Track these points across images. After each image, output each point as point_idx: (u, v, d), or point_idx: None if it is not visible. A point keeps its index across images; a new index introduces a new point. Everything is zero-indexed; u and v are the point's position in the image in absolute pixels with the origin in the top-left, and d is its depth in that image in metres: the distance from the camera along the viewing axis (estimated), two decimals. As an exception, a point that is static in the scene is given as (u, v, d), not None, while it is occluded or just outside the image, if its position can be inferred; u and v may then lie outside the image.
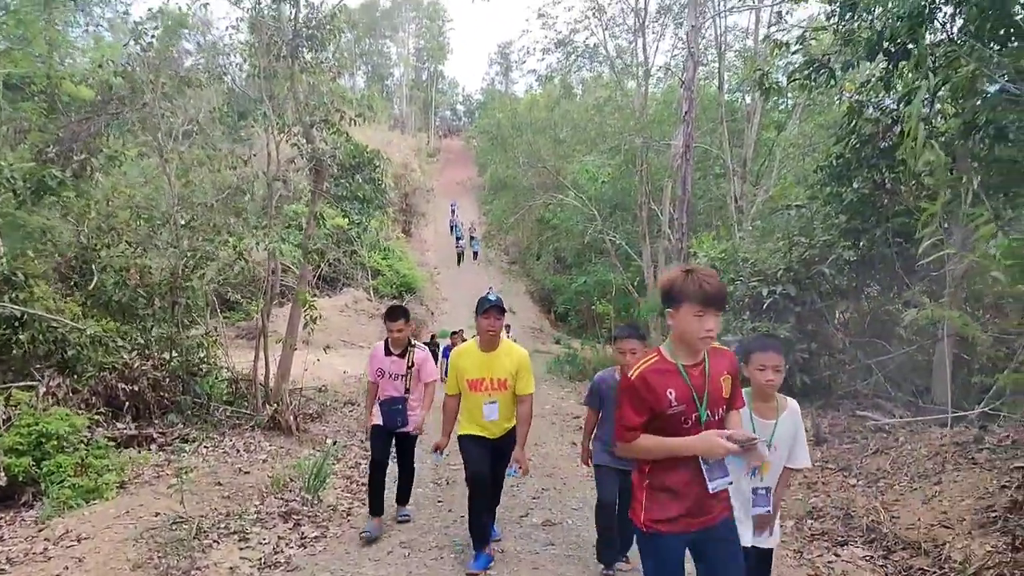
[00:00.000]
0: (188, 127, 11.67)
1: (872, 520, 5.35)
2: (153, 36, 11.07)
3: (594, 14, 22.33)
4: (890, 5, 8.17)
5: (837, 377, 9.47)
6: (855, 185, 9.27)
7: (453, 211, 40.08)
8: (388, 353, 5.43)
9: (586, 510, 6.12)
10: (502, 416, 4.62)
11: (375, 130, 40.21)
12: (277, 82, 11.70)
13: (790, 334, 9.10)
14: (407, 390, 5.38)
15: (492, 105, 36.92)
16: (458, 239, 37.13)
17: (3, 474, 5.09)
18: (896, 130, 8.75)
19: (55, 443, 5.46)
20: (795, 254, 9.70)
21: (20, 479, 5.19)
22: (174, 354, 9.62)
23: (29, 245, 10.01)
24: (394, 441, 5.55)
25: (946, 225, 7.27)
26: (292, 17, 11.78)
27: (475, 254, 35.81)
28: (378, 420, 5.41)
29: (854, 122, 9.33)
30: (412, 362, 5.39)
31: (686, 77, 13.76)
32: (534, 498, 6.71)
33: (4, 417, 5.90)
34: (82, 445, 5.81)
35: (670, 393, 2.50)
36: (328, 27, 12.13)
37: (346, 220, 13.43)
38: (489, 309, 4.50)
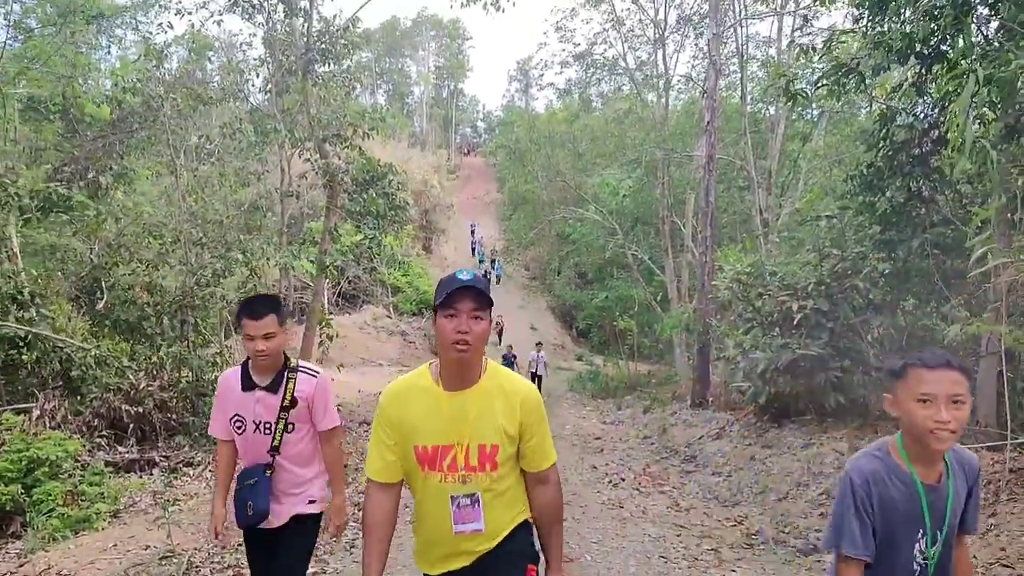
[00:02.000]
0: (201, 144, 11.51)
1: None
2: (164, 53, 10.98)
3: (613, 27, 22.08)
4: (924, 2, 7.77)
5: (873, 396, 8.96)
6: (888, 194, 8.80)
7: (473, 231, 39.68)
8: (249, 386, 2.95)
9: (607, 543, 5.71)
10: (493, 523, 2.22)
11: (395, 147, 40.30)
12: (290, 97, 11.54)
13: (822, 351, 8.63)
14: (274, 447, 2.93)
15: (511, 120, 36.76)
16: (480, 262, 36.81)
17: (-12, 504, 4.84)
18: (932, 136, 8.30)
19: (47, 469, 5.20)
20: (826, 267, 9.24)
21: (8, 508, 4.93)
22: (184, 373, 9.40)
23: (37, 263, 9.91)
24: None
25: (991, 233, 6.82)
26: (305, 31, 11.67)
27: (498, 278, 35.19)
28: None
29: (885, 129, 8.88)
30: (292, 398, 2.93)
31: (708, 86, 13.40)
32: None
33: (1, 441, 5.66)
34: (77, 471, 5.54)
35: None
36: (342, 41, 11.99)
37: (361, 236, 13.24)
38: (458, 293, 2.07)
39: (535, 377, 18.05)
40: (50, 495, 5.03)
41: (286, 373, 2.96)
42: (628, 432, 12.44)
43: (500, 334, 25.31)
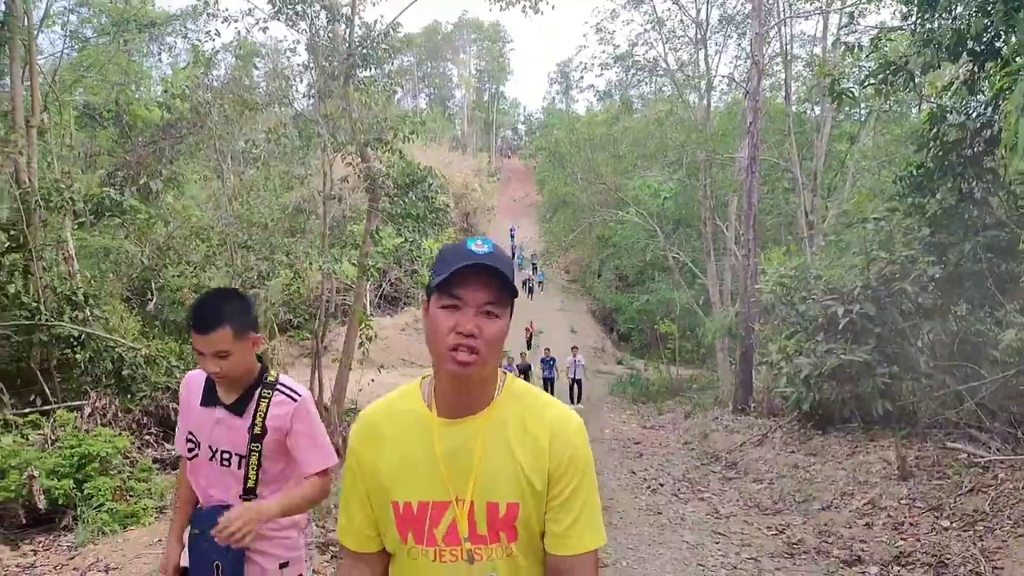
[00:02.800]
0: (247, 148, 11.77)
1: (970, 570, 4.72)
2: (212, 60, 11.28)
3: (653, 27, 21.91)
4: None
5: (923, 404, 8.70)
6: (939, 196, 8.54)
7: (513, 234, 39.40)
8: (210, 400, 2.28)
9: (643, 549, 5.66)
10: None
11: (436, 151, 40.66)
12: (332, 102, 11.71)
13: (869, 357, 8.42)
14: (249, 489, 2.23)
15: (551, 123, 36.73)
16: (521, 268, 36.47)
17: (43, 498, 5.02)
18: (985, 135, 8.03)
19: (97, 465, 5.38)
20: (873, 271, 9.01)
21: (60, 502, 5.11)
22: (229, 374, 9.62)
23: (91, 265, 10.26)
24: None
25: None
26: (347, 37, 11.84)
27: (540, 284, 34.70)
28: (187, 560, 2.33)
29: (936, 128, 8.61)
30: (263, 425, 2.23)
31: (750, 86, 13.19)
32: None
33: (52, 438, 5.88)
34: (126, 467, 5.72)
35: None
36: (383, 46, 12.13)
37: (401, 239, 13.38)
38: (469, 274, 1.29)
39: (575, 383, 17.60)
40: (100, 490, 5.19)
41: (259, 391, 2.20)
42: (668, 437, 12.30)
43: (530, 341, 24.34)
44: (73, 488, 5.16)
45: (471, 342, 1.27)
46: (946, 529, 5.41)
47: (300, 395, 2.27)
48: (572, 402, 16.91)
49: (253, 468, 2.19)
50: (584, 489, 1.38)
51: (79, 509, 5.11)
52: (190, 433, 2.28)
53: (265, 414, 2.20)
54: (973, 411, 7.91)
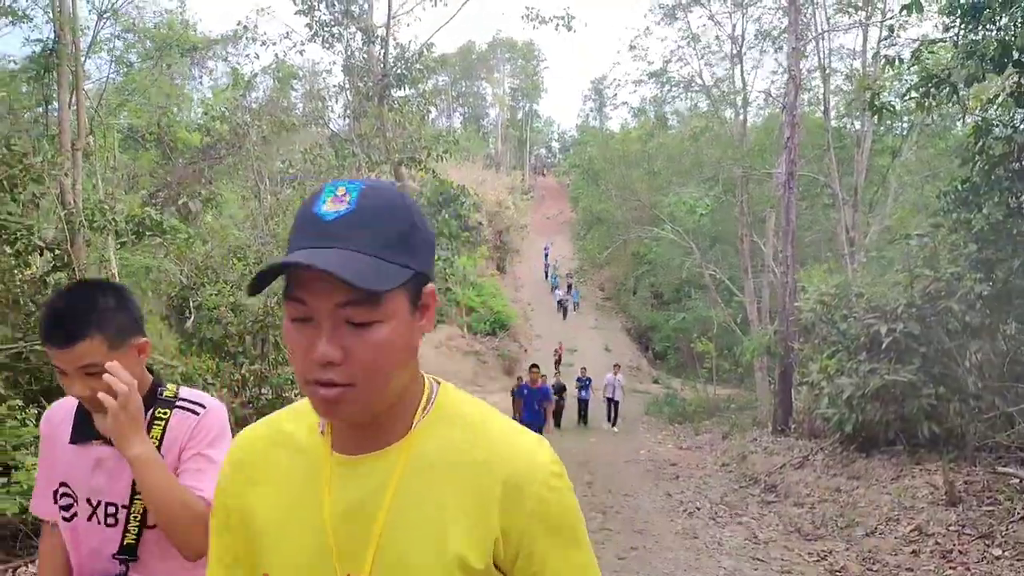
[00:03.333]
0: (284, 168, 11.96)
1: (1026, 604, 4.48)
2: (250, 83, 11.54)
3: (688, 43, 21.79)
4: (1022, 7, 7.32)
5: (971, 426, 8.36)
6: (985, 211, 8.27)
7: (547, 253, 38.95)
8: (84, 435, 1.56)
9: (679, 575, 5.50)
10: None
11: (470, 169, 40.92)
12: (367, 121, 11.86)
13: (914, 377, 8.13)
14: (128, 547, 1.50)
15: (585, 140, 36.74)
16: (554, 287, 35.93)
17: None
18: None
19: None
20: (918, 288, 8.74)
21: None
22: (264, 391, 9.70)
23: (132, 283, 10.48)
24: None
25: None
26: (381, 58, 12.02)
27: (575, 305, 33.77)
28: None
29: (981, 142, 8.36)
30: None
31: (787, 101, 13.00)
32: (620, 558, 6.11)
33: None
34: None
35: None
36: (417, 66, 12.27)
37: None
38: (308, 263, 0.74)
39: (611, 403, 16.77)
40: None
41: (151, 413, 1.57)
42: (706, 458, 12.05)
43: (558, 363, 23.32)
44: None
45: (331, 375, 0.79)
46: (997, 558, 5.16)
47: (205, 406, 1.62)
48: (608, 423, 16.61)
49: (136, 516, 1.50)
50: (565, 562, 0.88)
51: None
52: (62, 485, 1.57)
53: (160, 440, 1.54)
54: (1025, 434, 7.59)
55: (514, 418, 14.41)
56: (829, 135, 16.94)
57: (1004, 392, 7.97)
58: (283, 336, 0.87)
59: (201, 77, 27.01)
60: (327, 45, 12.91)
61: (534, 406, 10.64)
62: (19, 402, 5.14)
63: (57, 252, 8.54)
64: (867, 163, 17.31)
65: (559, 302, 33.54)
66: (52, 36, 9.48)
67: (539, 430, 9.92)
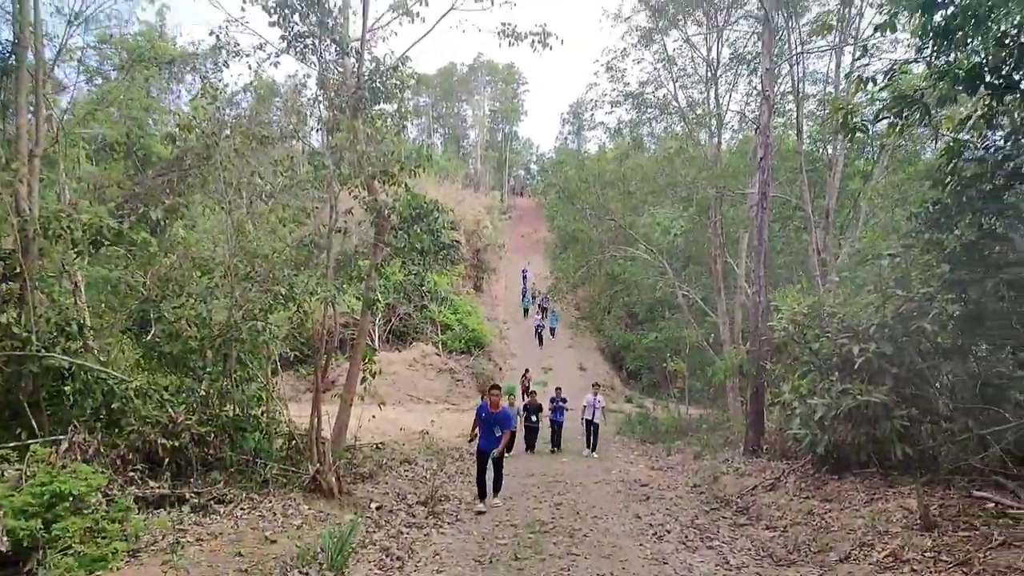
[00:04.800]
0: (251, 180, 11.71)
1: (1003, 633, 4.34)
2: (218, 91, 11.32)
3: (664, 66, 21.95)
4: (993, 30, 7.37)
5: (944, 449, 8.31)
6: (958, 232, 8.27)
7: (525, 277, 38.51)
8: None
9: (648, 601, 5.29)
10: None
11: (449, 188, 40.88)
12: (340, 135, 11.69)
13: (887, 398, 8.06)
14: None
15: (562, 160, 36.82)
16: (526, 310, 35.71)
17: (6, 539, 4.70)
18: (1006, 169, 7.78)
19: (68, 504, 5.07)
20: (890, 308, 8.71)
21: (26, 544, 4.79)
22: (225, 408, 9.37)
23: (91, 295, 10.11)
24: None
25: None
26: (355, 71, 11.84)
27: (552, 331, 33.38)
28: None
29: (953, 163, 8.39)
30: None
31: (761, 121, 13.05)
32: (589, 583, 5.89)
33: (28, 474, 5.60)
34: (101, 506, 5.41)
35: None
36: (392, 81, 12.12)
37: (405, 273, 13.22)
38: None
39: (590, 425, 15.62)
40: (68, 532, 4.88)
41: None
42: (677, 479, 11.87)
43: (526, 391, 20.79)
44: (41, 529, 4.84)
45: None
46: (975, 586, 5.02)
47: None
48: (587, 448, 15.58)
49: None
50: None
51: (43, 552, 4.80)
52: None
53: None
54: (998, 457, 7.52)
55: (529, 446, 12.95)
56: (802, 158, 17.07)
57: (976, 414, 7.91)
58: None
59: (180, 91, 26.67)
60: (300, 57, 12.74)
61: (493, 432, 9.38)
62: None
63: (8, 261, 8.20)
64: (839, 186, 17.46)
65: (536, 327, 33.17)
66: (11, 39, 9.20)
67: (496, 462, 9.43)
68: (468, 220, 38.12)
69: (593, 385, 17.24)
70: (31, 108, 9.41)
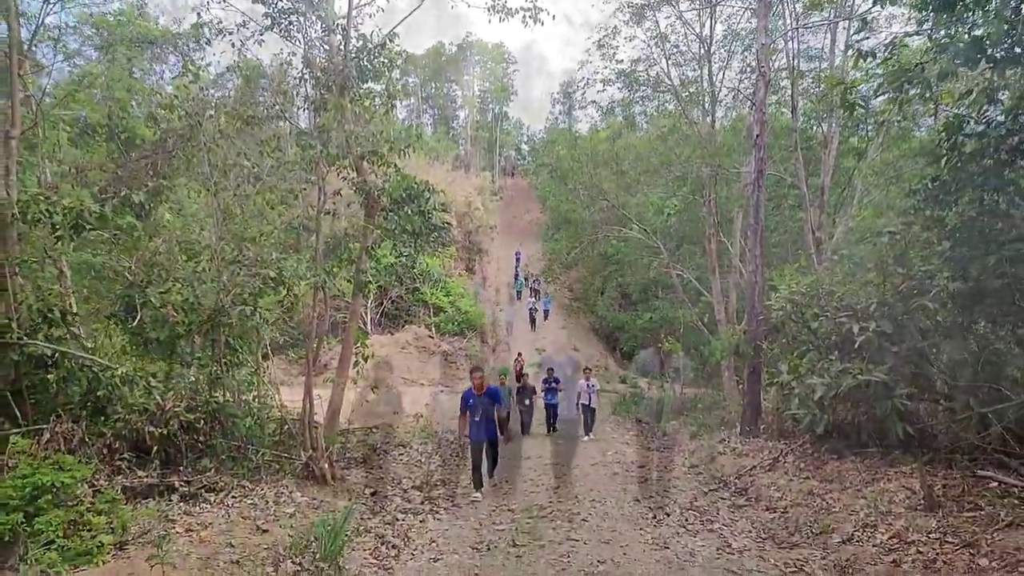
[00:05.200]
0: (237, 161, 11.43)
1: (1013, 616, 4.25)
2: (199, 68, 11.02)
3: (656, 43, 21.65)
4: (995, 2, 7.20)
5: (944, 427, 8.22)
6: (958, 208, 8.14)
7: (518, 260, 38.46)
8: None
9: (650, 588, 5.18)
10: None
11: (439, 170, 40.51)
12: (327, 114, 11.42)
13: (887, 377, 7.96)
14: None
15: (554, 140, 36.52)
16: (519, 293, 35.51)
17: (-15, 534, 4.53)
18: (1008, 144, 7.63)
19: (51, 497, 4.90)
20: (890, 286, 8.59)
21: (6, 539, 4.62)
22: (214, 394, 9.19)
23: (74, 280, 9.87)
24: None
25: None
26: (341, 48, 11.55)
27: (546, 314, 33.08)
28: None
29: (953, 139, 8.23)
30: None
31: (757, 98, 12.84)
32: (585, 574, 5.76)
33: (10, 466, 5.42)
34: (86, 497, 5.25)
35: None
36: (380, 58, 11.85)
37: (396, 255, 13.03)
38: None
39: (586, 410, 15.22)
40: (51, 525, 4.72)
41: None
42: (674, 460, 11.80)
43: (520, 373, 20.78)
44: (22, 523, 4.67)
45: None
46: (984, 569, 4.92)
47: None
48: (584, 433, 15.31)
49: None
50: None
51: (25, 547, 4.63)
52: None
53: None
54: (999, 435, 7.44)
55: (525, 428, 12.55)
56: (796, 136, 16.90)
57: (977, 392, 7.82)
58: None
59: (164, 72, 26.16)
60: (285, 35, 12.45)
61: (480, 417, 8.94)
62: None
63: (-15, 247, 7.96)
64: (833, 164, 17.32)
65: (529, 310, 33.01)
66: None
67: (492, 445, 9.24)
68: (459, 201, 37.82)
69: (584, 370, 16.73)
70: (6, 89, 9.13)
